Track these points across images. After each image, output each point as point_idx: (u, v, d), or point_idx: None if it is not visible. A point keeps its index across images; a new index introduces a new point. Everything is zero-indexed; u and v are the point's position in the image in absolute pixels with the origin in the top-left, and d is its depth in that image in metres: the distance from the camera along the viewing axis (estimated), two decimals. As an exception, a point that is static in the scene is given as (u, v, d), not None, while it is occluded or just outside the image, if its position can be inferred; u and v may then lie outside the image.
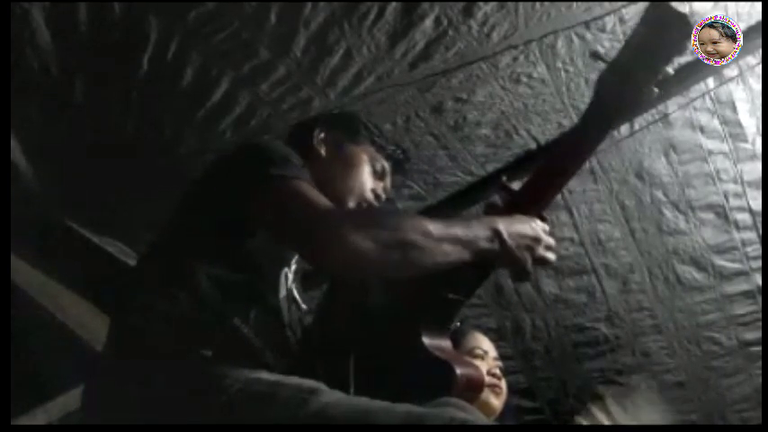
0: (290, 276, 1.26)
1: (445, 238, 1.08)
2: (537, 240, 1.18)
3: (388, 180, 1.48)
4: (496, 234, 1.13)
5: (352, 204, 1.37)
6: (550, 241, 1.21)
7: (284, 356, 1.14)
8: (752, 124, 2.32)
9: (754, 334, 2.75)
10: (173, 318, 1.06)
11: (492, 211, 1.23)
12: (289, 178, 1.11)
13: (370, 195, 1.40)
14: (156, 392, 1.01)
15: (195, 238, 1.16)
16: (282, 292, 1.22)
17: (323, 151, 1.42)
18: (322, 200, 1.10)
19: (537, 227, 1.19)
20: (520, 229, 1.16)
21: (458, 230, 1.10)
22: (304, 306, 1.29)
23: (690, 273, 2.62)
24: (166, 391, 1.01)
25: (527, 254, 1.17)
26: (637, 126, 2.26)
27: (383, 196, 1.44)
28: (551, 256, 1.21)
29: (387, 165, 1.47)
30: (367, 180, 1.41)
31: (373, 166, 1.44)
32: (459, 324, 1.95)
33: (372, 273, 1.12)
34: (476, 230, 1.12)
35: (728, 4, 1.96)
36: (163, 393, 1.01)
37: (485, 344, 2.03)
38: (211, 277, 1.11)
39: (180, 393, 1.00)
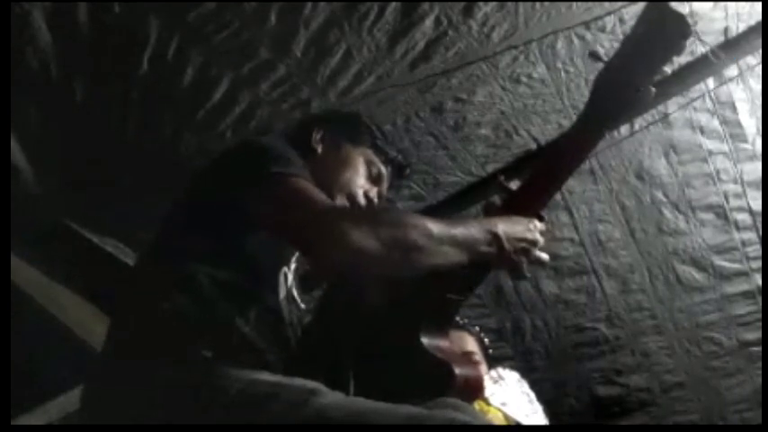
0: (290, 276, 1.26)
1: (446, 240, 1.08)
2: (534, 243, 1.19)
3: (384, 186, 1.47)
4: (495, 237, 1.14)
5: (340, 202, 1.35)
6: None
7: (285, 356, 1.14)
8: (752, 124, 2.32)
9: (754, 334, 2.75)
10: (173, 318, 1.06)
11: (490, 210, 1.24)
12: (289, 175, 1.11)
13: (359, 196, 1.39)
14: (156, 393, 1.01)
15: (195, 238, 1.16)
16: (282, 292, 1.22)
17: (320, 150, 1.41)
18: (323, 197, 1.10)
19: (534, 229, 1.20)
20: (518, 232, 1.17)
21: (458, 232, 1.11)
22: (302, 305, 1.29)
23: (690, 273, 2.62)
24: (166, 392, 1.00)
25: (523, 257, 1.18)
26: (637, 126, 2.26)
27: (375, 200, 1.43)
28: (545, 256, 1.22)
29: (384, 169, 1.46)
30: (359, 182, 1.40)
31: (369, 170, 1.43)
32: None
33: (372, 272, 1.11)
34: (475, 233, 1.13)
35: (728, 4, 1.95)
36: (163, 394, 1.01)
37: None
38: (211, 278, 1.10)
39: (180, 394, 1.00)
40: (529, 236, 1.19)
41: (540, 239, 1.21)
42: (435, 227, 1.08)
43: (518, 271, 1.19)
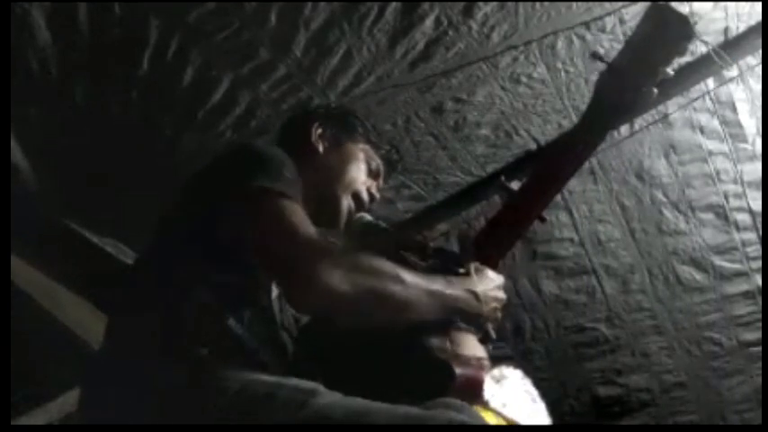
0: None
1: (423, 294, 1.09)
2: (502, 302, 1.24)
3: (381, 180, 1.48)
4: (475, 297, 1.17)
5: (345, 201, 1.36)
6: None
7: (280, 356, 1.14)
8: (752, 125, 2.32)
9: (754, 334, 2.76)
10: (169, 319, 1.06)
11: (465, 239, 1.26)
12: (276, 194, 1.09)
13: (364, 193, 1.40)
14: (154, 393, 1.01)
15: (189, 240, 1.15)
16: (275, 292, 1.21)
17: (320, 147, 1.40)
18: (305, 226, 1.07)
19: (502, 286, 1.24)
20: (491, 291, 1.21)
21: (437, 288, 1.12)
22: None
23: (690, 273, 2.62)
24: (165, 392, 1.00)
25: (494, 317, 1.23)
26: (637, 126, 2.26)
27: (377, 195, 1.44)
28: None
29: (381, 165, 1.47)
30: (362, 177, 1.41)
31: (369, 165, 1.44)
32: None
33: (344, 316, 1.08)
34: (456, 291, 1.15)
35: (728, 4, 1.96)
36: (161, 394, 1.00)
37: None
38: (205, 278, 1.10)
39: (179, 394, 1.00)
40: (500, 295, 1.23)
41: (505, 297, 1.25)
42: (414, 280, 1.08)
43: (488, 331, 1.22)
